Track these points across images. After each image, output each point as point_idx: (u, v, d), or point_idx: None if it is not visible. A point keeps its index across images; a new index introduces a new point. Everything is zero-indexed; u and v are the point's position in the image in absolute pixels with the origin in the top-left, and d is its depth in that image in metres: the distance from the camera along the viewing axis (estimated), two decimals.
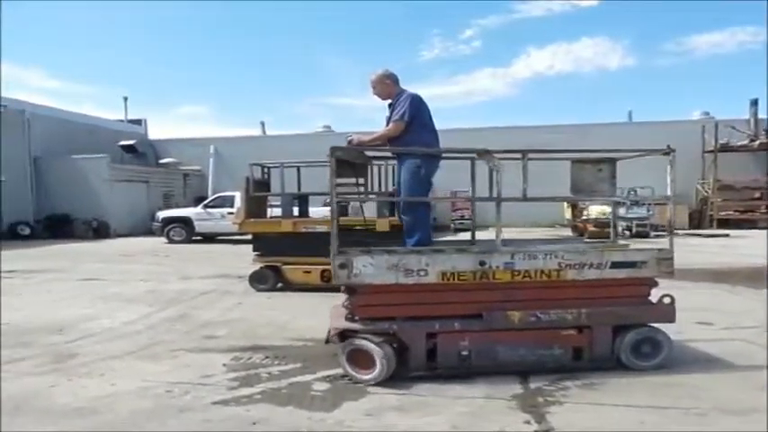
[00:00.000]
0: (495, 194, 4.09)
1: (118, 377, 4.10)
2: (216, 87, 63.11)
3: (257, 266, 8.16)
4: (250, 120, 73.88)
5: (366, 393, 3.67)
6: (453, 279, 3.90)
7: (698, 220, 22.50)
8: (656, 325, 4.13)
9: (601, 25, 57.30)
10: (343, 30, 60.90)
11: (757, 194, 22.24)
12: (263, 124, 30.61)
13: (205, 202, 18.76)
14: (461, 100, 59.65)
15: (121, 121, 28.68)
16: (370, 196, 6.62)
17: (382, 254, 3.95)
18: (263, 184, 8.41)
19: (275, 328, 5.67)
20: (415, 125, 4.36)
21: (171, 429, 3.17)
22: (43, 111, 22.88)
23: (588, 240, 5.25)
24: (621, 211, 18.26)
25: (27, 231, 20.36)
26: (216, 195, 19.54)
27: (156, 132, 29.78)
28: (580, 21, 57.17)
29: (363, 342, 3.85)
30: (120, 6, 57.85)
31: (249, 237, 8.98)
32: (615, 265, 4.02)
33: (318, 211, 9.66)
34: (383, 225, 7.50)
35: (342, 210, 13.25)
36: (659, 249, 4.13)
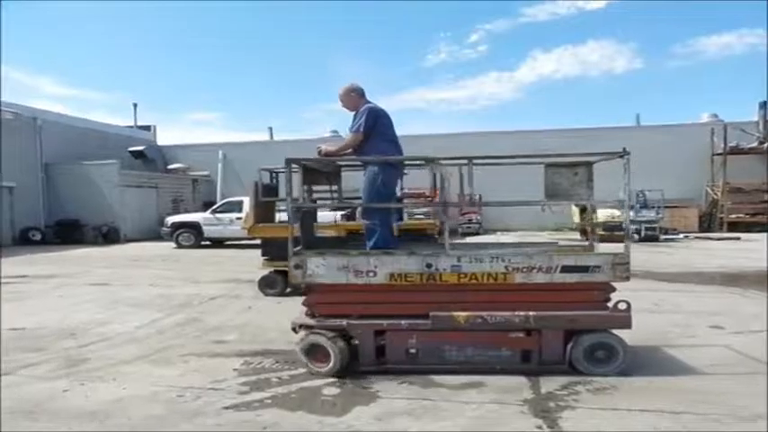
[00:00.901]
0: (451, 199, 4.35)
1: (130, 381, 4.13)
2: (224, 94, 63.48)
3: (266, 271, 8.18)
4: (258, 125, 74.58)
5: (376, 398, 3.67)
6: (401, 280, 4.09)
7: (708, 223, 22.33)
8: (616, 331, 4.06)
9: (607, 28, 57.18)
10: (350, 35, 61.15)
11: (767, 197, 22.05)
12: (270, 129, 30.82)
13: (214, 207, 18.83)
14: (467, 104, 59.72)
15: (131, 127, 28.90)
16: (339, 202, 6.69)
17: (334, 255, 4.22)
18: (272, 189, 8.45)
19: (285, 333, 5.64)
20: (373, 136, 4.60)
21: None
22: (54, 117, 23.12)
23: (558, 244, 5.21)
24: (630, 214, 18.17)
25: (38, 237, 20.54)
26: (224, 200, 19.62)
27: (165, 138, 30.04)
28: (586, 24, 57.05)
29: (318, 337, 4.11)
30: (129, 14, 58.38)
31: (258, 241, 9.01)
32: (566, 269, 4.02)
33: (327, 215, 9.68)
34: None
35: (350, 215, 13.27)
36: (614, 254, 4.07)
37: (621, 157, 4.06)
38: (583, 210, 19.70)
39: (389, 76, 59.63)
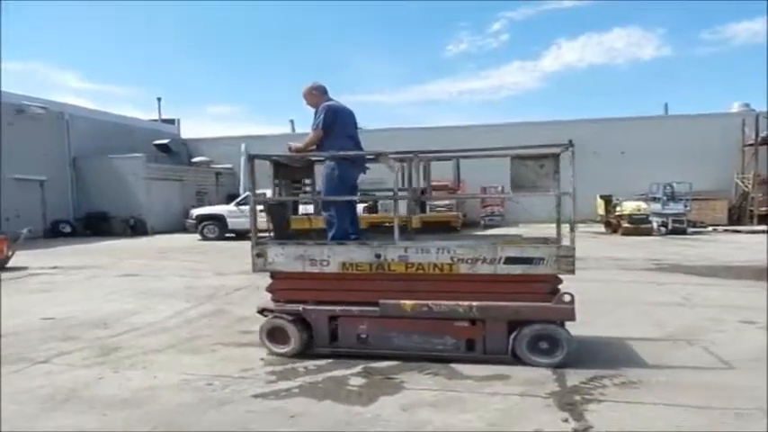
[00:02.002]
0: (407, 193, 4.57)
1: (160, 370, 4.24)
2: (244, 87, 63.99)
3: None
4: (280, 118, 74.81)
5: (401, 389, 3.71)
6: (352, 269, 4.33)
7: (737, 215, 21.82)
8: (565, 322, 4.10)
9: (634, 14, 55.83)
10: (370, 27, 60.96)
11: None
12: (292, 122, 30.94)
13: (237, 199, 19.06)
14: (489, 95, 59.17)
15: (155, 120, 29.37)
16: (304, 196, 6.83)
17: (292, 245, 4.49)
18: (298, 182, 8.50)
19: None
20: (331, 132, 4.77)
21: (213, 421, 3.26)
22: (81, 112, 23.63)
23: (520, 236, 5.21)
24: (657, 206, 17.87)
25: (68, 229, 21.09)
26: (247, 193, 19.81)
27: (188, 132, 30.45)
28: (612, 10, 55.94)
29: (279, 321, 4.44)
30: (152, 10, 59.11)
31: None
32: (510, 260, 4.08)
33: None
34: (414, 222, 7.51)
35: (372, 207, 13.28)
36: (558, 247, 4.10)
37: (566, 149, 4.08)
38: (607, 202, 19.45)
39: (410, 68, 59.41)
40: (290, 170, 5.30)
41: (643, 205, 17.81)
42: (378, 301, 4.28)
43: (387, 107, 57.57)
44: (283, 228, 5.07)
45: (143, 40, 61.70)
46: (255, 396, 3.62)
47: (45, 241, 18.06)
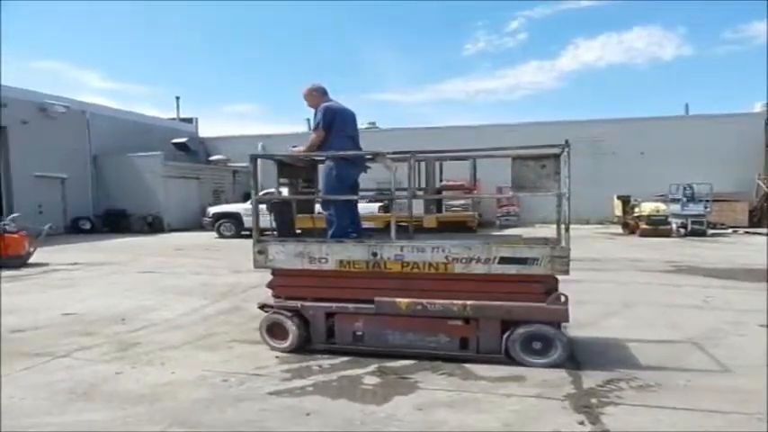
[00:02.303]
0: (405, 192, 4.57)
1: (177, 366, 4.29)
2: (263, 86, 64.40)
3: None
4: (296, 117, 75.01)
5: (416, 389, 3.70)
6: (349, 267, 4.40)
7: (758, 217, 21.39)
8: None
9: (654, 13, 55.05)
10: (386, 25, 60.93)
11: None
12: (308, 121, 31.03)
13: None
14: (505, 95, 58.81)
15: (174, 119, 29.69)
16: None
17: (292, 243, 4.59)
18: (310, 181, 8.54)
19: None
20: (331, 132, 4.85)
21: (229, 418, 3.29)
22: (102, 111, 23.96)
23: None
24: (676, 207, 17.62)
25: (88, 226, 21.41)
26: (264, 191, 19.94)
27: (206, 130, 30.72)
28: (631, 9, 55.20)
29: (277, 316, 4.54)
30: (169, 10, 59.76)
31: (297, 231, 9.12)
32: (504, 260, 4.09)
33: (367, 207, 9.72)
34: (430, 221, 7.53)
35: (387, 206, 13.27)
36: (553, 247, 4.08)
37: (563, 150, 4.05)
38: (625, 203, 19.22)
39: (426, 68, 59.27)
40: (294, 170, 5.39)
41: (662, 206, 17.56)
42: (373, 298, 4.35)
43: (402, 106, 57.58)
44: (287, 226, 5.15)
45: (162, 39, 62.43)
46: (270, 393, 3.65)
47: (65, 238, 18.36)
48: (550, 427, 3.08)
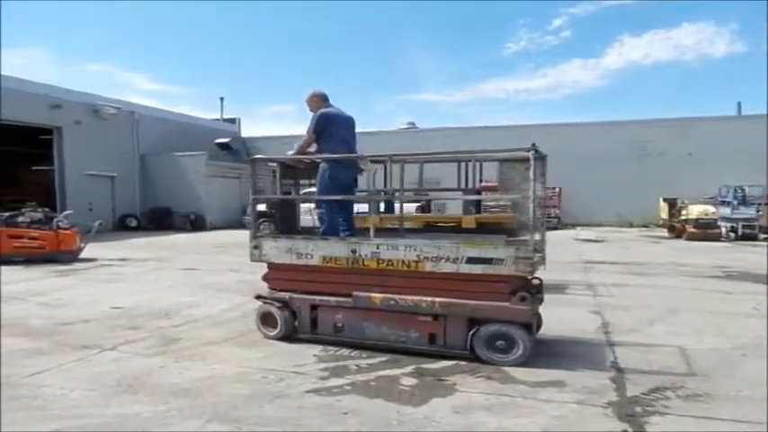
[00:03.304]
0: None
1: (218, 361, 4.38)
2: (305, 87, 65.16)
3: None
4: None
5: (454, 391, 3.67)
6: (332, 263, 4.67)
7: None
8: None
9: (704, 8, 53.10)
10: (425, 25, 60.74)
11: None
12: None
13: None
14: (547, 94, 57.76)
15: (217, 120, 30.40)
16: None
17: (283, 239, 4.90)
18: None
19: None
20: (325, 136, 5.17)
21: (268, 414, 3.34)
22: (149, 111, 24.77)
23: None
24: (726, 210, 16.93)
25: (134, 223, 22.20)
26: (303, 191, 20.20)
27: (248, 131, 31.33)
28: (680, 5, 53.37)
29: (269, 307, 4.93)
30: (215, 14, 61.22)
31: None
32: (471, 260, 4.19)
33: (405, 207, 9.70)
34: (469, 222, 7.44)
35: (425, 207, 13.26)
36: (518, 248, 4.11)
37: (529, 152, 3.99)
38: (671, 205, 18.60)
39: (467, 67, 58.81)
40: (296, 171, 5.71)
41: (711, 209, 16.91)
42: (350, 293, 4.58)
43: (442, 106, 57.26)
44: (288, 224, 5.47)
45: (206, 42, 64.01)
46: (308, 391, 3.68)
47: (113, 234, 19.04)
48: None
